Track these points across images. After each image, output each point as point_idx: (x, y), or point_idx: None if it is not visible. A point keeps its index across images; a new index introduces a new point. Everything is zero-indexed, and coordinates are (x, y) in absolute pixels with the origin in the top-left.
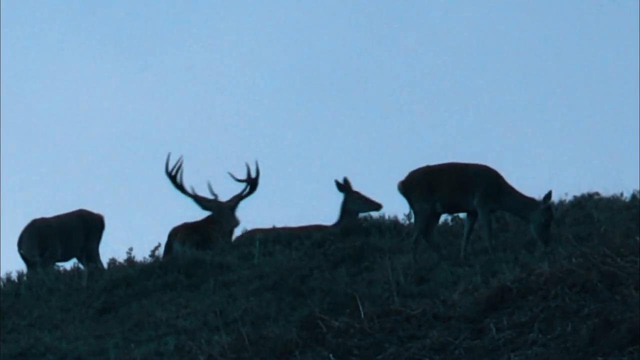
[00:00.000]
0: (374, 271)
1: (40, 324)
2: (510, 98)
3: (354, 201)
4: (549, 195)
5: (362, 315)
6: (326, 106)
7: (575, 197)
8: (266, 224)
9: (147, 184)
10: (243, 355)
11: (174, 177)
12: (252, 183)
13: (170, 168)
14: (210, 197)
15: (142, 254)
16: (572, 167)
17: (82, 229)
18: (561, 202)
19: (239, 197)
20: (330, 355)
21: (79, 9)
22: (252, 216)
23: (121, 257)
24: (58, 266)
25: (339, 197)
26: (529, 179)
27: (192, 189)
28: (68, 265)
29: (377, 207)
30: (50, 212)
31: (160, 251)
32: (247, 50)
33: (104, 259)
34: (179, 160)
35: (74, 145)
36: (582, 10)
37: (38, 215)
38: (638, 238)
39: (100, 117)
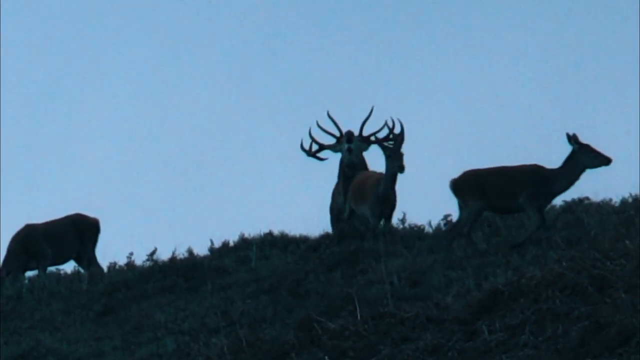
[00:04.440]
0: (368, 274)
1: (41, 326)
2: (501, 103)
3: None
4: (574, 137)
5: (357, 318)
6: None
7: (565, 201)
8: (263, 228)
9: (147, 189)
10: (240, 356)
11: (310, 152)
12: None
13: (306, 146)
14: None
15: (141, 258)
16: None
17: (75, 232)
18: (552, 207)
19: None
20: (326, 357)
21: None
22: (247, 218)
23: (121, 261)
24: (59, 269)
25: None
26: None
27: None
28: (68, 268)
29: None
30: (49, 216)
31: (158, 255)
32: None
33: (105, 263)
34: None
35: (76, 150)
36: (575, 12)
37: (36, 220)
38: (627, 242)
39: (103, 122)
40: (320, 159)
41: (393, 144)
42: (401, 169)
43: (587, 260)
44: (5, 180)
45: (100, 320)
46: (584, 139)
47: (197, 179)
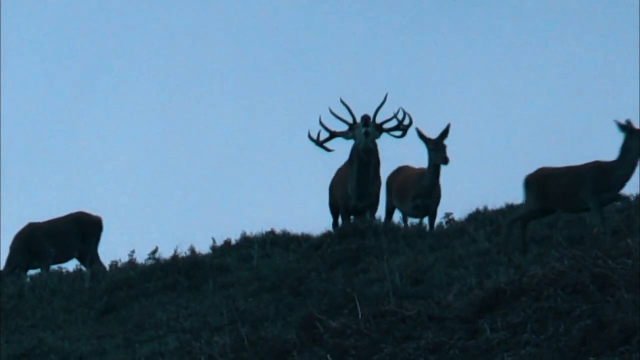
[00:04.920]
0: (370, 273)
1: (43, 324)
2: (504, 101)
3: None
4: (627, 124)
5: (359, 316)
6: None
7: None
8: (265, 226)
9: (149, 187)
10: (242, 355)
11: (318, 141)
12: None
13: (316, 138)
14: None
15: (143, 256)
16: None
17: (77, 231)
18: None
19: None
20: (328, 355)
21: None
22: (249, 216)
23: (123, 259)
24: (61, 268)
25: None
26: (520, 182)
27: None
28: (70, 266)
29: None
30: (52, 214)
31: (160, 253)
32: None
33: (107, 261)
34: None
35: (78, 148)
36: (577, 10)
37: (38, 219)
38: (629, 241)
39: (106, 120)
40: (328, 150)
41: (436, 137)
42: (445, 160)
43: (589, 259)
44: (7, 178)
45: (102, 318)
46: (584, 139)
47: (199, 178)
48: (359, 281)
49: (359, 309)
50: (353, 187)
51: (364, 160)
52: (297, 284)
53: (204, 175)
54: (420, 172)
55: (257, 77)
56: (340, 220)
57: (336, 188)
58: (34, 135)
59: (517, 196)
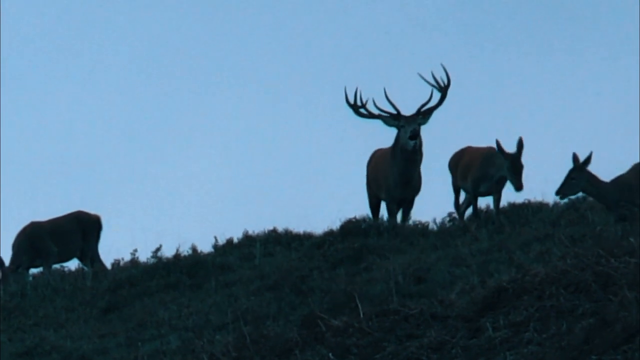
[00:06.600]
0: (372, 271)
1: (45, 323)
2: (506, 100)
3: None
4: None
5: (361, 315)
6: None
7: (569, 199)
8: (267, 225)
9: (151, 186)
10: (244, 353)
11: (356, 106)
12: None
13: (351, 100)
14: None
15: (145, 255)
16: (566, 169)
17: (78, 230)
18: (556, 204)
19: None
20: (330, 354)
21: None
22: (251, 215)
23: (125, 258)
24: (63, 266)
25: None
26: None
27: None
28: (72, 265)
29: None
30: (50, 213)
31: (162, 252)
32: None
33: (109, 260)
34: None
35: (78, 147)
36: (577, 11)
37: (40, 218)
38: (631, 239)
39: (105, 117)
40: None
41: (514, 152)
42: (519, 188)
43: (591, 258)
44: (7, 177)
45: (104, 317)
46: (585, 138)
47: (200, 176)
48: (361, 280)
49: (360, 308)
50: (397, 179)
51: (410, 157)
52: (299, 283)
53: (206, 174)
54: (484, 153)
55: (261, 75)
56: (386, 213)
57: (377, 178)
58: (32, 133)
59: (518, 195)
